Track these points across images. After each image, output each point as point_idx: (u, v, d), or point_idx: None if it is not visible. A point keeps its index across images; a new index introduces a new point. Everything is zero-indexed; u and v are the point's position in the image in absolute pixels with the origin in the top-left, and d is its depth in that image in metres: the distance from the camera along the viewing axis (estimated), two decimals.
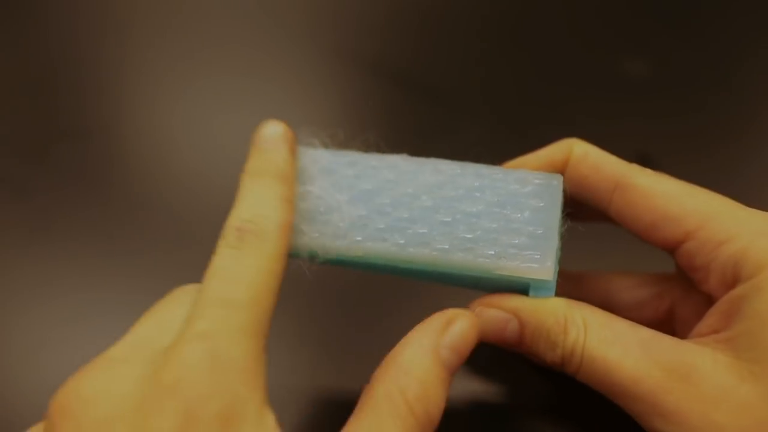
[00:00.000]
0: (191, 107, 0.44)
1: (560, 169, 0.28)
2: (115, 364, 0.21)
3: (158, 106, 0.45)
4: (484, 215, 0.26)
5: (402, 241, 0.26)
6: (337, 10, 0.49)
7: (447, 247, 0.26)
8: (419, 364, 0.22)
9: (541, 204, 0.26)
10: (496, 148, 0.29)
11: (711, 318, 0.25)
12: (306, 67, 0.46)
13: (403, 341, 0.23)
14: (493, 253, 0.25)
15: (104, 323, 0.36)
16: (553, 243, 0.26)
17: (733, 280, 0.24)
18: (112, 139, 0.43)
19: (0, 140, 0.43)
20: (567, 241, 0.27)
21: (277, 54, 0.47)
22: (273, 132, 0.27)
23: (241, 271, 0.22)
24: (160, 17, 0.49)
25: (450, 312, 0.24)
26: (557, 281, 0.26)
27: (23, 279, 0.38)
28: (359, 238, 0.26)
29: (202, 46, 0.47)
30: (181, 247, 0.39)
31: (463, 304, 0.28)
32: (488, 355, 0.28)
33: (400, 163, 0.28)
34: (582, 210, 0.28)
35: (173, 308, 0.23)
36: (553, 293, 0.26)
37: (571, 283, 0.31)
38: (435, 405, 0.22)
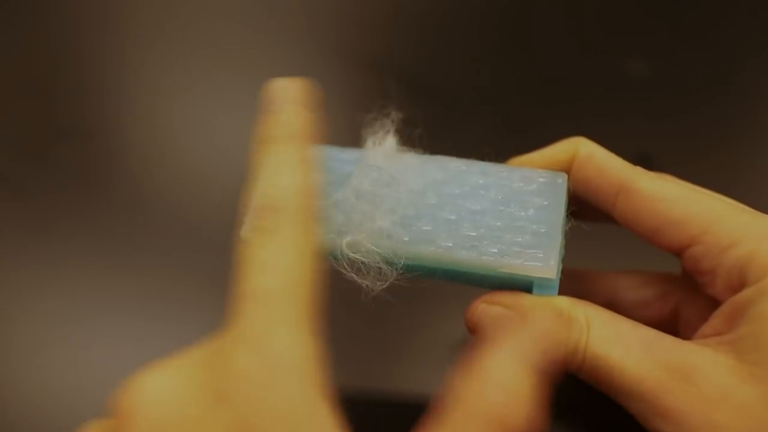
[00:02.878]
0: (191, 107, 0.44)
1: (565, 168, 0.28)
2: (173, 364, 0.20)
3: (158, 106, 0.45)
4: (489, 213, 0.26)
5: (406, 238, 0.26)
6: (338, 10, 0.49)
7: (451, 244, 0.26)
8: (510, 375, 0.20)
9: (545, 202, 0.26)
10: (497, 147, 0.29)
11: (715, 320, 0.25)
12: (306, 67, 0.46)
13: (486, 346, 0.21)
14: (496, 251, 0.26)
15: (104, 323, 0.36)
16: (557, 242, 0.26)
17: (739, 285, 0.24)
18: (112, 139, 0.43)
19: (0, 140, 0.43)
20: (572, 240, 0.27)
21: (277, 54, 0.47)
22: (278, 90, 0.24)
23: (270, 256, 0.20)
24: (160, 17, 0.49)
25: (537, 315, 0.23)
26: (560, 279, 0.26)
27: (23, 279, 0.38)
28: (364, 236, 0.26)
29: (202, 46, 0.47)
30: (182, 247, 0.39)
31: (467, 301, 0.28)
32: None
33: (405, 160, 0.28)
34: (587, 209, 0.28)
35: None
36: (557, 292, 0.26)
37: (575, 281, 0.31)
38: (531, 419, 0.20)
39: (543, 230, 0.26)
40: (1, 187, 0.41)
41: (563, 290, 0.26)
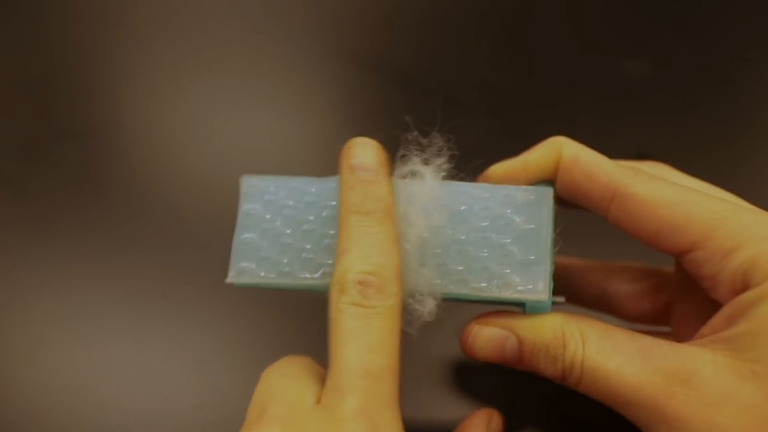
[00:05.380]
0: (192, 107, 0.44)
1: (551, 174, 0.27)
2: (289, 425, 0.21)
3: (159, 106, 0.45)
4: (473, 243, 0.25)
5: None
6: (338, 11, 0.49)
7: (439, 281, 0.25)
8: None
9: (531, 226, 0.25)
10: (495, 148, 0.29)
11: (715, 321, 0.24)
12: (306, 67, 0.46)
13: None
14: (485, 284, 0.25)
15: (104, 323, 0.36)
16: (546, 266, 0.25)
17: (742, 288, 0.24)
18: (113, 139, 0.43)
19: (0, 140, 0.43)
20: (563, 232, 0.26)
21: (277, 54, 0.47)
22: (370, 156, 0.24)
23: (375, 335, 0.22)
24: (160, 17, 0.49)
25: (488, 411, 0.27)
26: (552, 301, 0.25)
27: (23, 279, 0.38)
28: None
29: (202, 46, 0.47)
30: (182, 246, 0.39)
31: (462, 316, 0.27)
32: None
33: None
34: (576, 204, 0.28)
35: (289, 378, 0.23)
36: (549, 309, 0.25)
37: (568, 275, 0.31)
38: None
39: (532, 257, 0.25)
40: (1, 187, 0.41)
41: (556, 287, 0.26)
